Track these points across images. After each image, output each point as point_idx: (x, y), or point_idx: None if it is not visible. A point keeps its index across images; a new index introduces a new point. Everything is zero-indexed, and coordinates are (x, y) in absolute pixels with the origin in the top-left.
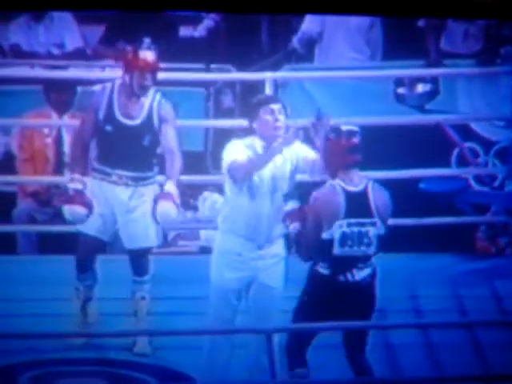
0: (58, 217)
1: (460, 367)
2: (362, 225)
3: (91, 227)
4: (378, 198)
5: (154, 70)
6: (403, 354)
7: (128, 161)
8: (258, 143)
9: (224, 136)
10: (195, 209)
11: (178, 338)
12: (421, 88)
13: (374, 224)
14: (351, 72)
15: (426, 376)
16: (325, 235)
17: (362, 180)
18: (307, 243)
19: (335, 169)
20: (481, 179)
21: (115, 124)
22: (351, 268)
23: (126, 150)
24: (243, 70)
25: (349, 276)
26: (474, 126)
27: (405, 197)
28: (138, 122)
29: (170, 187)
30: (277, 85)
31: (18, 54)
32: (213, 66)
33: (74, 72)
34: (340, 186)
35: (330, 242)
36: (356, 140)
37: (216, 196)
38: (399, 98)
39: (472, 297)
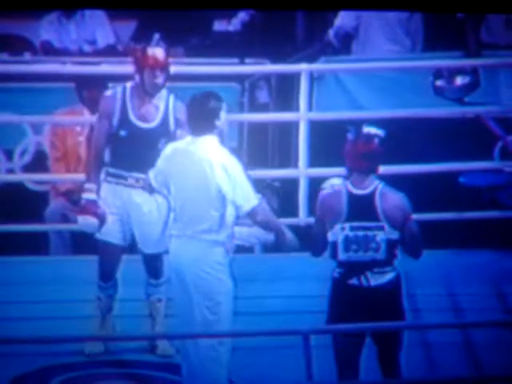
0: None
1: (502, 368)
2: (368, 229)
3: (110, 235)
4: (387, 202)
5: (164, 67)
6: (442, 353)
7: (143, 163)
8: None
9: (259, 131)
10: None
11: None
12: (460, 80)
13: (381, 228)
14: (388, 63)
15: (465, 375)
16: (330, 237)
17: (372, 183)
18: (313, 241)
19: (349, 169)
20: None
21: (130, 128)
22: (364, 272)
23: (141, 152)
24: (278, 64)
25: (363, 281)
26: None
27: (444, 191)
28: (153, 124)
29: None
30: (312, 77)
31: (49, 51)
32: (248, 60)
33: (106, 68)
34: (346, 189)
35: (335, 244)
36: (373, 145)
37: None
38: (437, 91)
39: None
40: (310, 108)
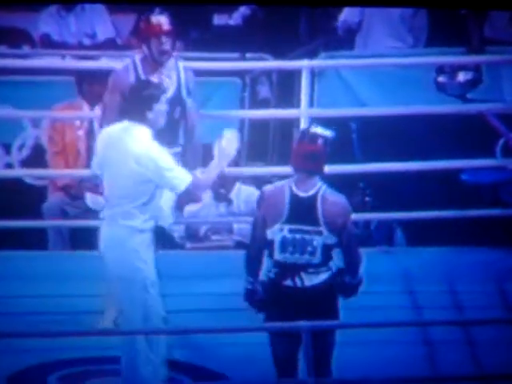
0: (90, 210)
1: (504, 366)
2: (307, 232)
3: None
4: (328, 207)
5: (170, 32)
6: (443, 350)
7: (161, 136)
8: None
9: (260, 127)
10: (228, 201)
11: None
12: (462, 76)
13: (319, 233)
14: (390, 59)
15: (466, 373)
16: (268, 235)
17: (314, 185)
18: (252, 239)
19: (294, 169)
20: None
21: None
22: (299, 272)
23: None
24: (280, 59)
25: (297, 281)
26: None
27: (446, 188)
28: (168, 95)
29: None
30: (313, 73)
31: (48, 44)
32: (249, 54)
33: (106, 62)
34: (289, 188)
35: (272, 243)
36: (318, 146)
37: (251, 189)
38: (439, 87)
39: None
40: (311, 104)
